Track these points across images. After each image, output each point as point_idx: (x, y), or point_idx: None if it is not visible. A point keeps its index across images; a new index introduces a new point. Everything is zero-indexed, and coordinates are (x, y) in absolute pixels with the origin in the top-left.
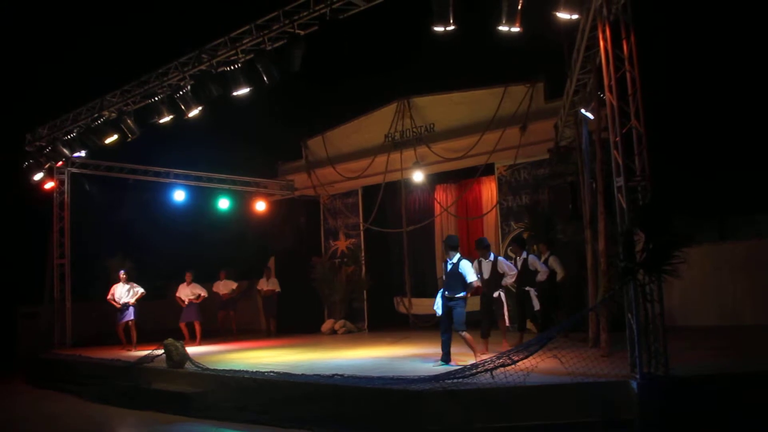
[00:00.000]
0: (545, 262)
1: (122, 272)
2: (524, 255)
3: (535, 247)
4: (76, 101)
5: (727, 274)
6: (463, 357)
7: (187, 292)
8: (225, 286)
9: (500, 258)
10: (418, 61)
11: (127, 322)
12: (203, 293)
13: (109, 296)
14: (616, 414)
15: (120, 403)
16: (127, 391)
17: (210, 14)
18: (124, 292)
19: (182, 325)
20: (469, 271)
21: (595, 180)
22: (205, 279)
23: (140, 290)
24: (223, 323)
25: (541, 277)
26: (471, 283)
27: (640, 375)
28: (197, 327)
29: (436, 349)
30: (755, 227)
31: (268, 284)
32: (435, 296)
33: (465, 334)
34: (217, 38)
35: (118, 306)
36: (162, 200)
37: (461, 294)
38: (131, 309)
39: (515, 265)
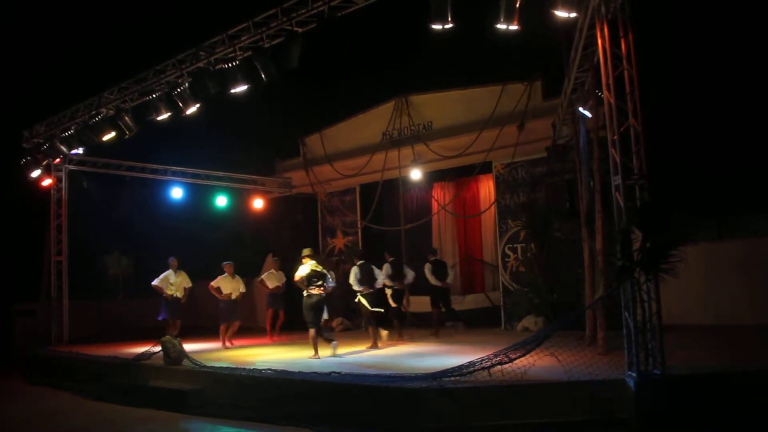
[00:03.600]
0: None
1: (173, 258)
2: None
3: (533, 245)
4: (74, 98)
5: (725, 273)
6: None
7: (235, 287)
8: (278, 278)
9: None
10: (416, 59)
11: (176, 319)
12: (243, 289)
13: (157, 282)
14: (612, 412)
15: (117, 401)
16: (124, 389)
17: (208, 11)
18: (174, 282)
19: (225, 326)
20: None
21: (592, 178)
22: (201, 276)
23: (189, 284)
24: (273, 322)
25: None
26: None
27: (637, 373)
28: (236, 325)
29: (433, 347)
30: (753, 226)
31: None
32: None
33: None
34: (214, 35)
35: (168, 297)
36: (159, 197)
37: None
38: (179, 305)
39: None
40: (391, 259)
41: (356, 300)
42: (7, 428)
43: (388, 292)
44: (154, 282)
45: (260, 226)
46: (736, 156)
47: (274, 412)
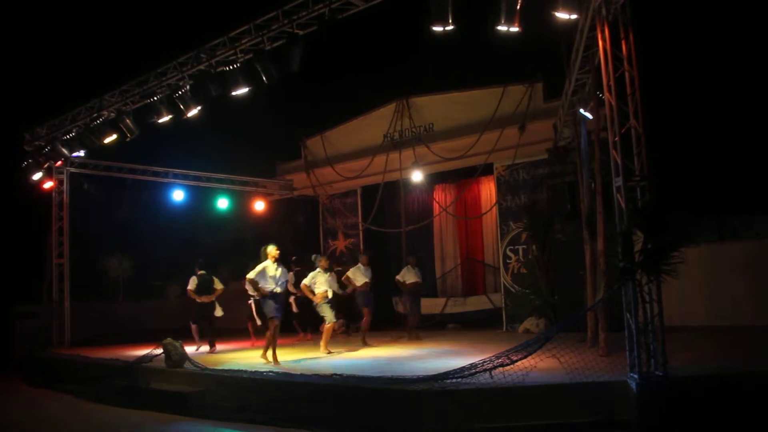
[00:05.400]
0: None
1: (274, 247)
2: None
3: (534, 247)
4: (75, 101)
5: (726, 275)
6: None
7: (330, 284)
8: (367, 275)
9: None
10: (417, 61)
11: (277, 317)
12: (338, 288)
13: (253, 276)
14: (614, 414)
15: (118, 403)
16: (125, 391)
17: (209, 14)
18: (274, 275)
19: (332, 326)
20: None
21: (593, 180)
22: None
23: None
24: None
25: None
26: None
27: (639, 375)
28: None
29: (434, 349)
30: (754, 228)
31: (417, 275)
32: (434, 297)
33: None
34: (216, 38)
35: (267, 294)
36: (161, 200)
37: None
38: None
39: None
40: (297, 269)
41: (249, 302)
42: (7, 430)
43: (292, 298)
44: (248, 280)
45: (261, 229)
46: (737, 157)
47: (276, 415)
